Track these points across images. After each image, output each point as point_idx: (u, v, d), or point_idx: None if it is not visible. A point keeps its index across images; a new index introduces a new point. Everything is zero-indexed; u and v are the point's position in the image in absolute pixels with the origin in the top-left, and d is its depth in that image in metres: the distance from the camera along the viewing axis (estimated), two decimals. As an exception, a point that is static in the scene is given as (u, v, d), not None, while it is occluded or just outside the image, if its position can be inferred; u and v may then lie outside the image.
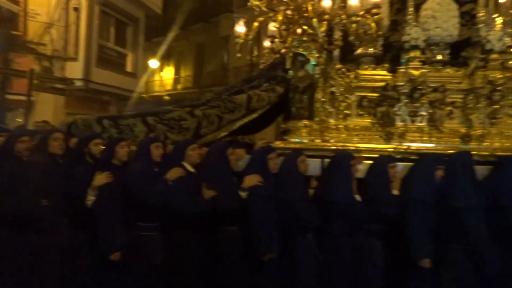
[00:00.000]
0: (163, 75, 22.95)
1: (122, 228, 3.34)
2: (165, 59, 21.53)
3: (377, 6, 3.81)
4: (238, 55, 4.55)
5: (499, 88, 3.99)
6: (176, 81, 22.40)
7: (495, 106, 4.05)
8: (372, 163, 3.66)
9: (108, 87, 12.66)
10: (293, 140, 4.03)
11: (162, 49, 17.68)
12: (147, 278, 3.31)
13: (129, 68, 14.31)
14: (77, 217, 3.38)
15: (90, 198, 3.37)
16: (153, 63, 18.89)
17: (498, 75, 4.01)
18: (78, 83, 11.40)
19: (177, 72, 22.48)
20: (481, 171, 3.66)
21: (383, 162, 3.60)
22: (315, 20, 3.66)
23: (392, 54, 4.56)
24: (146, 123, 4.10)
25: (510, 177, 3.41)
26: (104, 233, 3.31)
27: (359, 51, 4.43)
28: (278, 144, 3.97)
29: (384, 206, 3.47)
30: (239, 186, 3.39)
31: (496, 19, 4.59)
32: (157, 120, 4.11)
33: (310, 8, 3.67)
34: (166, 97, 20.40)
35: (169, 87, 22.43)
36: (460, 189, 3.34)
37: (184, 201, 3.22)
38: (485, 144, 4.02)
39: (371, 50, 4.40)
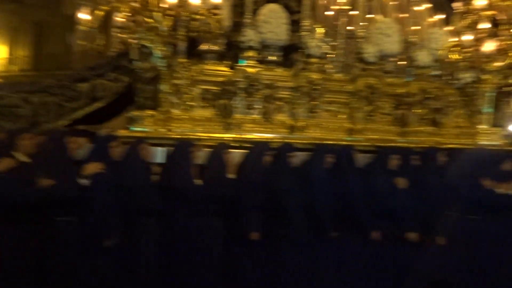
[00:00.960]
0: (-8, 54, 19.97)
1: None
2: (-5, 36, 18.77)
3: (217, 7, 4.17)
4: (82, 42, 4.43)
5: (317, 87, 4.77)
6: (11, 61, 19.75)
7: (314, 102, 4.84)
8: (210, 150, 4.03)
9: None
10: (137, 129, 4.15)
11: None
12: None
13: None
14: None
15: None
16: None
17: (316, 76, 4.79)
18: None
19: (11, 51, 19.82)
20: (302, 157, 4.38)
21: (219, 149, 4.01)
22: (157, 14, 3.84)
23: (234, 52, 5.03)
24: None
25: (318, 162, 4.15)
26: None
27: (203, 47, 4.79)
28: (122, 132, 4.05)
29: (221, 188, 3.88)
30: (79, 174, 3.39)
31: (317, 28, 5.45)
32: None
33: (154, 1, 3.83)
34: (-2, 80, 17.87)
35: (1, 68, 19.67)
36: (278, 173, 3.94)
37: (14, 191, 3.08)
38: (306, 134, 4.80)
39: (214, 47, 4.80)
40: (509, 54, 5.54)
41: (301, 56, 4.89)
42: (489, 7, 5.52)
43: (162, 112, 4.26)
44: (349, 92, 5.07)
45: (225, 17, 4.74)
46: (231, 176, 4.00)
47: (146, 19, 3.98)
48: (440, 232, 4.36)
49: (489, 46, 5.25)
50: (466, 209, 4.57)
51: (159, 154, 3.97)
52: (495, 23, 5.66)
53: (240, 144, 4.32)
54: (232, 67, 4.68)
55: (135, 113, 4.23)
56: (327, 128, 4.93)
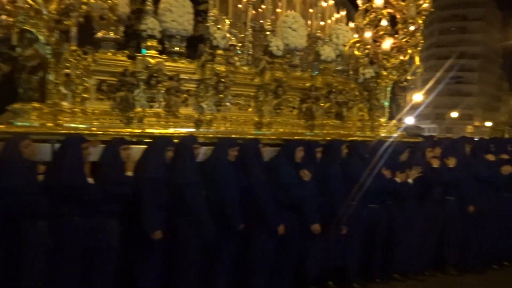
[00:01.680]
0: None
1: None
2: None
3: (110, -9, 3.87)
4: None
5: (223, 80, 4.65)
6: None
7: (220, 95, 4.71)
8: (105, 146, 3.73)
9: None
10: (20, 123, 3.70)
11: None
12: None
13: None
14: None
15: None
16: None
17: (222, 68, 4.66)
18: None
19: None
20: (208, 151, 4.24)
21: (115, 144, 3.72)
22: (38, -5, 3.44)
23: (137, 41, 4.72)
24: None
25: (222, 156, 4.04)
26: None
27: (100, 34, 4.43)
28: (2, 128, 3.58)
29: (117, 186, 3.60)
30: None
31: (226, 19, 5.33)
32: None
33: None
34: None
35: None
36: (181, 167, 3.76)
37: None
38: (213, 127, 4.66)
39: (112, 35, 4.46)
40: (408, 51, 5.91)
41: (207, 48, 4.72)
42: (388, 5, 5.84)
43: (50, 105, 3.84)
44: (257, 85, 5.03)
45: (123, 2, 4.44)
46: (129, 173, 3.73)
47: (27, 0, 3.54)
48: (342, 222, 4.51)
49: (387, 43, 5.54)
50: (367, 198, 4.79)
51: (45, 151, 3.57)
52: (394, 21, 6.00)
53: (139, 139, 4.06)
54: (132, 57, 4.38)
55: (18, 105, 3.77)
56: (235, 121, 4.85)
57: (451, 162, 5.43)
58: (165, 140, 3.96)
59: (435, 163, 5.38)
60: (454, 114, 47.13)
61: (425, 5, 5.69)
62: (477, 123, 49.52)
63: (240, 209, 4.02)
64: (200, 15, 5.35)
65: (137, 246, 3.78)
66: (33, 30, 3.68)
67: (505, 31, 53.20)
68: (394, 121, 5.97)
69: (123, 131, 4.06)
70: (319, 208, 4.43)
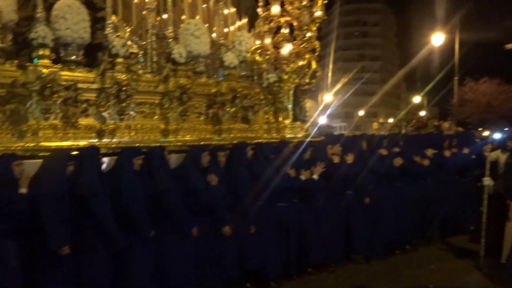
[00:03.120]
0: None
1: None
2: None
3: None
4: None
5: (125, 88, 4.58)
6: None
7: (123, 104, 4.63)
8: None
9: None
10: None
11: None
12: None
13: None
14: None
15: None
16: None
17: (123, 76, 4.59)
18: None
19: None
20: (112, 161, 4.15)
21: (6, 160, 3.49)
22: None
23: (28, 50, 4.46)
24: None
25: (126, 166, 3.99)
26: None
27: (-17, 43, 4.13)
28: None
29: (11, 205, 3.39)
30: None
31: (126, 27, 5.25)
32: None
33: None
34: None
35: None
36: (85, 179, 3.66)
37: None
38: (116, 137, 4.57)
39: (-4, 43, 4.18)
40: (306, 56, 6.30)
41: (106, 56, 4.61)
42: (285, 14, 6.18)
43: None
44: (161, 93, 5.03)
45: (10, 9, 4.18)
46: (23, 190, 3.52)
47: None
48: (252, 221, 4.68)
49: (286, 49, 5.86)
50: (275, 197, 5.03)
51: None
52: (292, 28, 6.36)
53: (33, 153, 3.85)
54: (23, 67, 4.13)
55: None
56: (140, 130, 4.79)
57: (349, 158, 5.89)
58: (63, 153, 3.81)
59: (336, 159, 5.80)
60: (361, 113, 50.90)
61: (318, 13, 6.11)
62: (381, 120, 53.97)
63: (151, 216, 4.00)
64: (99, 22, 5.20)
65: (42, 264, 3.58)
66: None
67: (400, 35, 59.44)
68: (297, 123, 6.32)
69: (15, 145, 3.81)
70: (229, 210, 4.56)
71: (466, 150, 7.26)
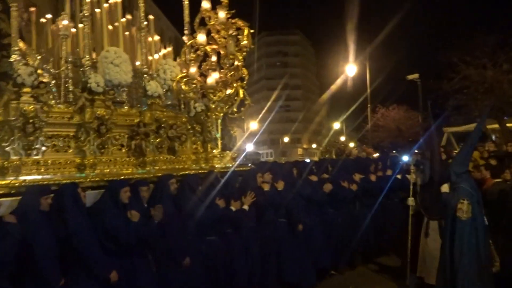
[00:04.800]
0: None
1: None
2: None
3: None
4: None
5: (32, 120, 4.15)
6: None
7: (30, 138, 4.19)
8: None
9: None
10: None
11: None
12: None
13: None
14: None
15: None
16: None
17: (30, 108, 4.16)
18: None
19: None
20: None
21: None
22: None
23: None
24: None
25: (32, 206, 3.58)
26: None
27: None
28: None
29: None
30: None
31: (37, 55, 4.84)
32: None
33: None
34: None
35: None
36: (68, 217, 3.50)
37: None
38: (22, 175, 4.08)
39: None
40: (234, 84, 6.22)
41: (11, 85, 4.17)
42: (212, 42, 6.10)
43: None
44: (76, 124, 4.65)
45: None
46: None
47: None
48: (182, 256, 4.39)
49: (212, 78, 5.75)
50: (204, 231, 4.78)
51: None
52: (220, 56, 6.28)
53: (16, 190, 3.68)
54: None
55: None
56: (51, 165, 4.35)
57: (280, 185, 5.84)
58: (40, 188, 3.70)
59: (266, 187, 5.71)
60: (286, 139, 52.66)
61: (244, 42, 6.11)
62: (305, 146, 56.15)
63: (61, 263, 3.56)
64: (6, 49, 4.74)
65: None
66: None
67: (318, 65, 63.67)
68: (226, 152, 6.17)
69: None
70: (155, 247, 4.22)
71: (389, 172, 7.59)
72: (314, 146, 47.67)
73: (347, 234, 6.53)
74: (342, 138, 31.42)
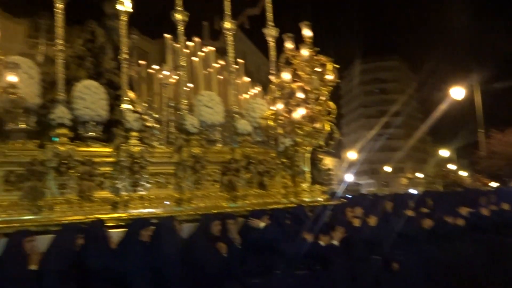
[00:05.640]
0: None
1: None
2: None
3: (13, 86, 3.94)
4: None
5: (138, 160, 4.72)
6: None
7: (136, 176, 4.75)
8: (5, 239, 3.58)
9: None
10: None
11: None
12: None
13: None
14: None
15: None
16: None
17: (137, 149, 4.75)
18: None
19: None
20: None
21: (17, 237, 3.58)
22: None
23: (49, 130, 4.73)
24: None
25: (134, 238, 4.00)
26: None
27: (10, 126, 4.42)
28: None
29: (19, 282, 3.42)
30: None
31: (142, 102, 5.54)
32: None
33: None
34: None
35: None
36: (90, 254, 3.67)
37: None
38: (130, 208, 4.62)
39: (22, 125, 4.47)
40: (321, 119, 6.32)
41: (121, 131, 4.83)
42: (297, 78, 6.33)
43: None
44: (175, 163, 5.14)
45: (33, 94, 4.52)
46: (33, 267, 3.56)
47: None
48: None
49: (298, 114, 5.93)
50: (293, 265, 4.82)
51: None
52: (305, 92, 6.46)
53: (48, 228, 3.95)
54: (42, 146, 4.38)
55: None
56: (154, 200, 4.84)
57: (372, 220, 5.66)
58: (72, 227, 3.87)
59: (356, 222, 5.58)
60: (388, 169, 49.92)
61: (329, 77, 6.23)
62: (409, 175, 52.63)
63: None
64: (118, 99, 5.52)
65: None
66: None
67: (419, 90, 60.06)
68: (316, 186, 6.21)
69: (28, 220, 3.93)
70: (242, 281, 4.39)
71: (505, 206, 6.86)
72: (419, 175, 44.66)
73: (453, 275, 6.00)
74: (451, 166, 28.84)
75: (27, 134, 4.53)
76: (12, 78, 3.96)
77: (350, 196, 7.98)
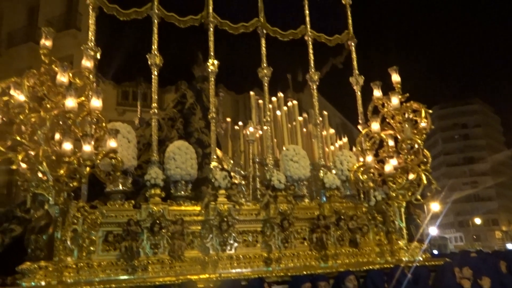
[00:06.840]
0: None
1: None
2: None
3: (113, 151, 4.23)
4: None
5: (226, 218, 4.71)
6: None
7: (225, 234, 4.72)
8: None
9: None
10: (25, 284, 3.79)
11: None
12: None
13: None
14: None
15: None
16: None
17: (225, 207, 4.75)
18: None
19: None
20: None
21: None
22: (44, 163, 3.81)
23: (144, 191, 4.97)
24: None
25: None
26: None
27: (109, 188, 4.72)
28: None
29: None
30: None
31: (229, 159, 5.62)
32: None
33: (40, 153, 3.83)
34: None
35: None
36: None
37: None
38: (219, 268, 4.57)
39: (120, 187, 4.75)
40: (416, 169, 5.85)
41: (210, 189, 4.90)
42: (388, 127, 6.02)
43: (55, 262, 3.96)
44: (262, 220, 5.04)
45: (130, 157, 4.81)
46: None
47: (39, 167, 3.93)
48: None
49: (389, 166, 5.57)
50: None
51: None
52: (396, 141, 6.10)
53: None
54: (136, 206, 4.58)
55: (26, 266, 3.90)
56: (242, 260, 4.75)
57: (486, 283, 4.95)
58: None
59: (466, 284, 4.92)
60: (478, 220, 44.63)
61: (424, 124, 5.83)
62: (504, 228, 46.31)
63: None
64: (207, 157, 5.68)
65: None
66: (43, 193, 4.00)
67: (506, 134, 53.89)
68: (415, 243, 5.65)
69: (125, 281, 4.05)
70: None
71: None
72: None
73: None
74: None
75: (124, 195, 4.79)
76: (113, 143, 4.27)
77: (455, 253, 7.14)
